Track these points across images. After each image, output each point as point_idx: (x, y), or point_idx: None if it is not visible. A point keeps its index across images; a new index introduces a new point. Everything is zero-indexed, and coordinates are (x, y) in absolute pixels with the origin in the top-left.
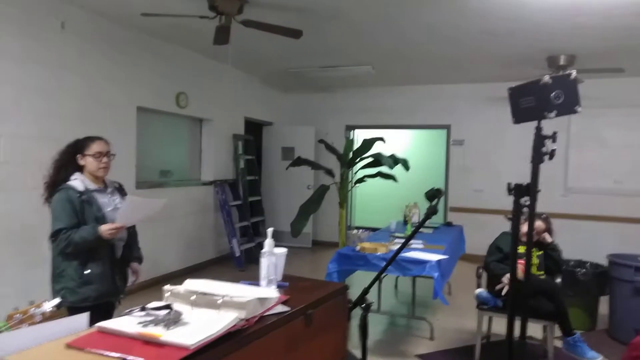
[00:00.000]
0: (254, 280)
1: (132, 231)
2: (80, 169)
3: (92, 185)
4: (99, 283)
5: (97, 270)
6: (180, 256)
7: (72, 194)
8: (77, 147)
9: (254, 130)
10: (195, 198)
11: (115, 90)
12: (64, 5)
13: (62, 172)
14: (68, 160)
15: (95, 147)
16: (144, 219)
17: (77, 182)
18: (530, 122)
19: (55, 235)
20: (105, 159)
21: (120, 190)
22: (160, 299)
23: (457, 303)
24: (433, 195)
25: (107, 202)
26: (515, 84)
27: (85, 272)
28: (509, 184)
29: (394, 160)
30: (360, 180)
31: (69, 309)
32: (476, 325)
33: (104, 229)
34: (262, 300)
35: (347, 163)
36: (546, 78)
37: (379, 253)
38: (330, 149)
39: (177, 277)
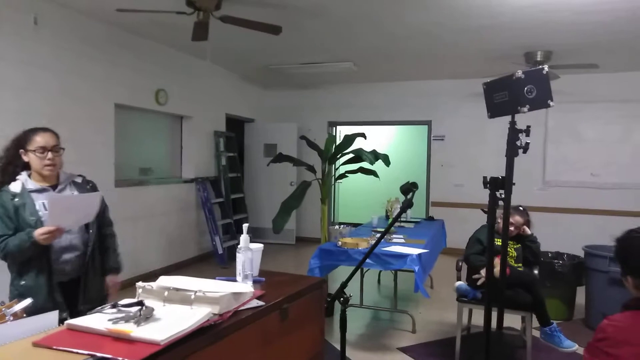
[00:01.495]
0: (234, 276)
1: (105, 233)
2: (28, 166)
3: (33, 185)
4: (33, 297)
5: (31, 283)
6: (162, 254)
7: (5, 197)
8: (20, 141)
9: (236, 127)
10: (177, 196)
11: (92, 87)
12: (37, 0)
13: (8, 171)
14: (13, 157)
15: (38, 141)
16: (85, 218)
17: (17, 183)
18: (505, 116)
19: None
20: (50, 155)
21: (80, 184)
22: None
23: (438, 296)
24: (408, 189)
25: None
26: (490, 79)
27: (21, 283)
28: (484, 178)
29: (375, 156)
30: (342, 176)
31: None
32: (457, 318)
33: (37, 233)
34: (236, 295)
35: (329, 159)
36: (519, 73)
37: (360, 248)
38: (312, 145)
39: (159, 275)
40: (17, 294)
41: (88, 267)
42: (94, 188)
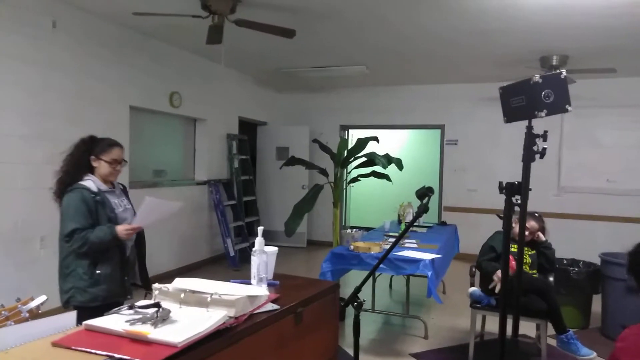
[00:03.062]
0: (247, 279)
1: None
2: (92, 169)
3: (104, 187)
4: (108, 283)
5: (107, 271)
6: (174, 256)
7: (86, 194)
8: (93, 148)
9: (248, 130)
10: (189, 198)
11: (108, 89)
12: (55, 4)
13: (79, 170)
14: (84, 158)
15: (114, 154)
16: (158, 220)
17: (90, 182)
18: (521, 121)
19: (70, 236)
20: (118, 167)
21: (124, 191)
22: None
23: (451, 302)
24: (423, 193)
25: (117, 202)
26: (506, 84)
27: (97, 272)
28: (500, 183)
29: (388, 160)
30: (354, 180)
31: (77, 308)
32: (470, 324)
33: (121, 229)
34: (251, 298)
35: (341, 162)
36: (536, 77)
37: (372, 252)
38: (324, 148)
39: (171, 277)
40: (92, 282)
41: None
42: (128, 196)
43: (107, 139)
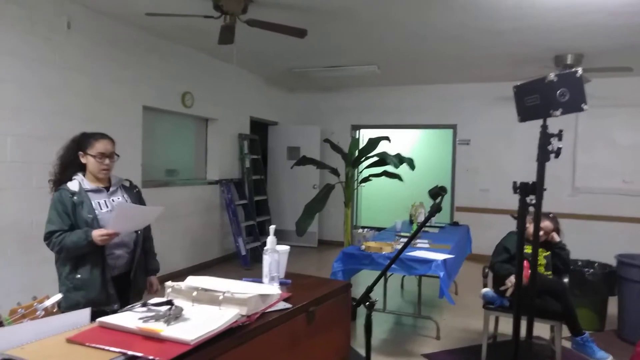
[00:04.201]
0: (259, 278)
1: (146, 236)
2: (84, 166)
3: (89, 185)
4: (87, 290)
5: (86, 276)
6: (186, 255)
7: (64, 195)
8: (80, 144)
9: (260, 129)
10: (201, 197)
11: (121, 89)
12: (69, 5)
13: (68, 170)
14: (72, 156)
15: (98, 147)
16: (140, 226)
17: (74, 182)
18: (536, 120)
19: (47, 238)
20: (107, 161)
21: (129, 188)
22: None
23: (463, 303)
24: (437, 193)
25: (103, 203)
26: (520, 82)
27: (76, 277)
28: (514, 183)
29: (400, 160)
30: (366, 180)
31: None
32: (482, 325)
33: (96, 234)
34: (263, 296)
35: (353, 162)
36: (551, 76)
37: (384, 252)
38: (336, 148)
39: (183, 275)
40: (72, 287)
41: (136, 263)
42: (139, 193)
43: (95, 133)
